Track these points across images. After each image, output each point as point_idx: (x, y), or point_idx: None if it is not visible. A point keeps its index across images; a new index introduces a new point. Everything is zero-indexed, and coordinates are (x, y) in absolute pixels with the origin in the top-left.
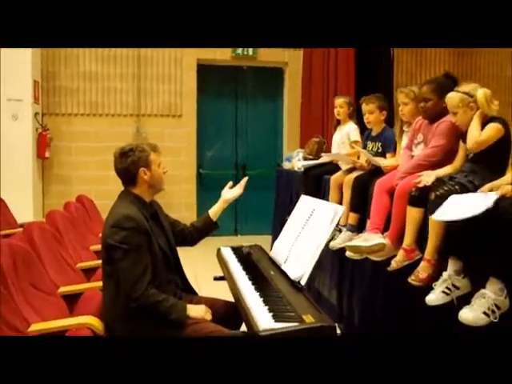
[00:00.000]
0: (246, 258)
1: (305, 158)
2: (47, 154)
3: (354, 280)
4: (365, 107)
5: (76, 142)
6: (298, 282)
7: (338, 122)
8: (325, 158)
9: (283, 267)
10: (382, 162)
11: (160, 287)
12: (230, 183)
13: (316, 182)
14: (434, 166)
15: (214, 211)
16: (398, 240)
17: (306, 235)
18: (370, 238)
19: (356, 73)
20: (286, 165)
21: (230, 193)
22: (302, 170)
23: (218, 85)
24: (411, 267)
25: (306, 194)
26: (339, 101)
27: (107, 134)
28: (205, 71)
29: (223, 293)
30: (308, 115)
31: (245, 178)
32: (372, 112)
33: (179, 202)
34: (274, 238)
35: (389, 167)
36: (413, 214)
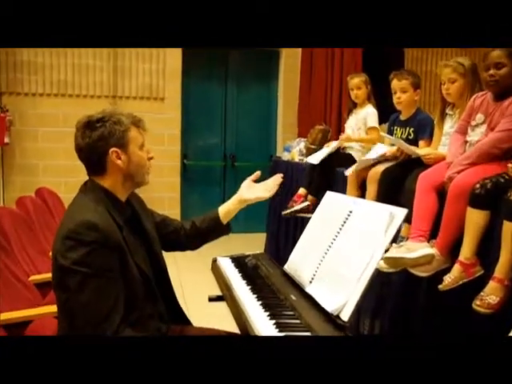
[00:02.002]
0: (253, 274)
1: (307, 149)
2: (7, 140)
3: (382, 296)
4: (396, 84)
5: (42, 126)
6: (338, 317)
7: (355, 105)
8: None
9: (309, 290)
10: (420, 151)
11: (138, 324)
12: (258, 173)
13: (325, 176)
14: (503, 155)
15: (226, 211)
16: (450, 250)
17: (344, 247)
18: (414, 248)
19: (363, 51)
20: (285, 155)
21: (255, 193)
22: (309, 162)
23: (205, 65)
24: (468, 285)
25: (311, 189)
26: (355, 81)
27: (78, 118)
28: (191, 50)
29: (217, 314)
30: (307, 101)
31: (278, 176)
32: (405, 90)
33: (161, 197)
34: (269, 237)
35: (431, 157)
36: (475, 217)
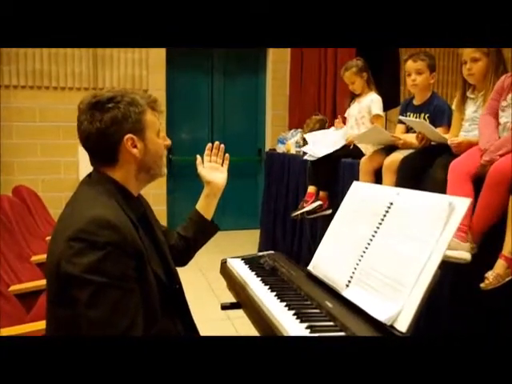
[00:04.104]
0: (274, 278)
1: (304, 139)
2: None
3: None
4: (411, 65)
5: (16, 120)
6: (392, 327)
7: (356, 94)
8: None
9: (346, 295)
10: (448, 136)
11: None
12: (199, 158)
13: (331, 168)
14: None
15: (204, 205)
16: (482, 236)
17: (388, 245)
18: (456, 246)
19: None
20: (280, 147)
21: (217, 175)
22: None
23: (190, 56)
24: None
25: (319, 184)
26: (347, 75)
27: (56, 112)
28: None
29: (223, 324)
30: (299, 91)
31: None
32: (421, 72)
33: (146, 194)
34: (264, 234)
35: (460, 144)
36: None
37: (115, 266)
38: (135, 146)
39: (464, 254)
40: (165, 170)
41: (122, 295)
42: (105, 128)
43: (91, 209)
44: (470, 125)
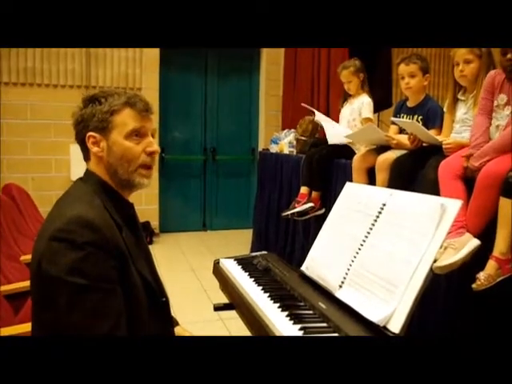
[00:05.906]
0: (267, 278)
1: (297, 140)
2: None
3: None
4: (404, 69)
5: (7, 118)
6: (385, 328)
7: (349, 94)
8: (350, 138)
9: (339, 296)
10: (441, 138)
11: None
12: None
13: (323, 168)
14: None
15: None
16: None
17: (381, 246)
18: (460, 245)
19: None
20: (273, 147)
21: None
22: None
23: (185, 55)
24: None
25: (312, 184)
26: (343, 74)
27: (47, 109)
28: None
29: (215, 325)
30: (292, 92)
31: None
32: (414, 75)
33: (139, 193)
34: (257, 234)
35: (452, 146)
36: (510, 208)
37: (95, 266)
38: (97, 145)
39: (474, 242)
40: (141, 180)
41: (103, 297)
42: (75, 123)
43: (73, 208)
44: (460, 126)
